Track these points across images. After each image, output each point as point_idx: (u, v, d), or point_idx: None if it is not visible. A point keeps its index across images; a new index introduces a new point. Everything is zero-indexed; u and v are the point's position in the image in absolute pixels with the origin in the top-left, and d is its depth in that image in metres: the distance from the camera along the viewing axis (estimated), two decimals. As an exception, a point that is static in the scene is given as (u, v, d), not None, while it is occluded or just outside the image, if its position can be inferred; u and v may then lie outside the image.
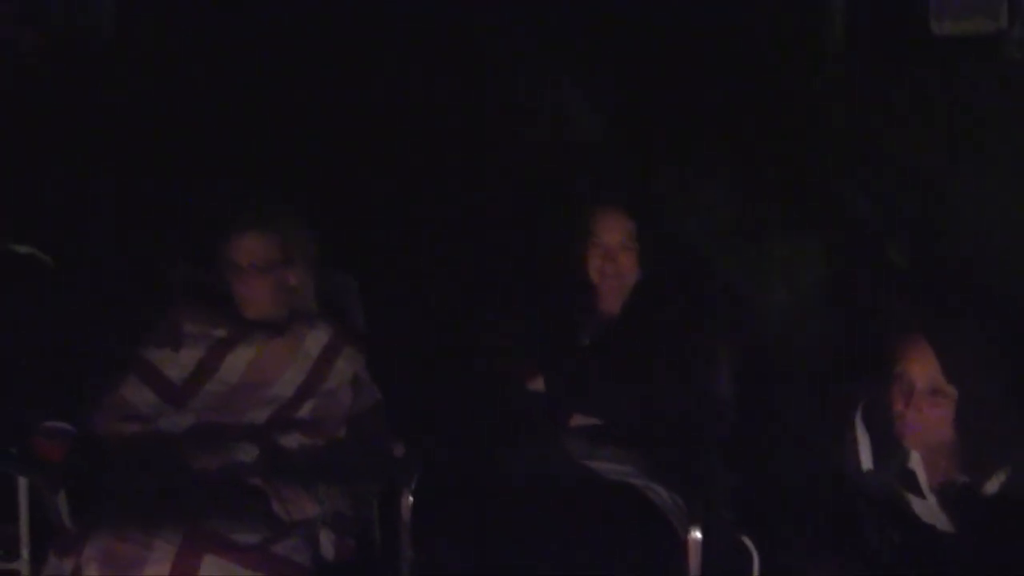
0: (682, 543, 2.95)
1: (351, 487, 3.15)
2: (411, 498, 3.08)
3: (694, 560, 2.94)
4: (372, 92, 5.01)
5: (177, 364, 3.23)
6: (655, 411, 3.23)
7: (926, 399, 2.62)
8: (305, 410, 3.23)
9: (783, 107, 4.80)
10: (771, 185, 4.66)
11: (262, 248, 3.25)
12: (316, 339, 3.28)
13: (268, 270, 3.25)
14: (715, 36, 4.93)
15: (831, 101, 4.77)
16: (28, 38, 6.59)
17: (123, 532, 2.78)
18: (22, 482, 3.14)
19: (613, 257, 3.33)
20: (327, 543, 3.01)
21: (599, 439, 3.23)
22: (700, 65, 4.92)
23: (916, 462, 2.75)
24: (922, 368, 2.62)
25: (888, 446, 2.76)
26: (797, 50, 4.89)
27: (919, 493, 2.75)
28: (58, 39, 6.51)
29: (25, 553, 3.17)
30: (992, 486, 2.65)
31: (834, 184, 4.61)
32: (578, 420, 3.28)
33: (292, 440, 3.16)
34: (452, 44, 5.01)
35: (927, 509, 2.75)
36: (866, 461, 2.81)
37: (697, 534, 2.95)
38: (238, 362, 3.22)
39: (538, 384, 3.30)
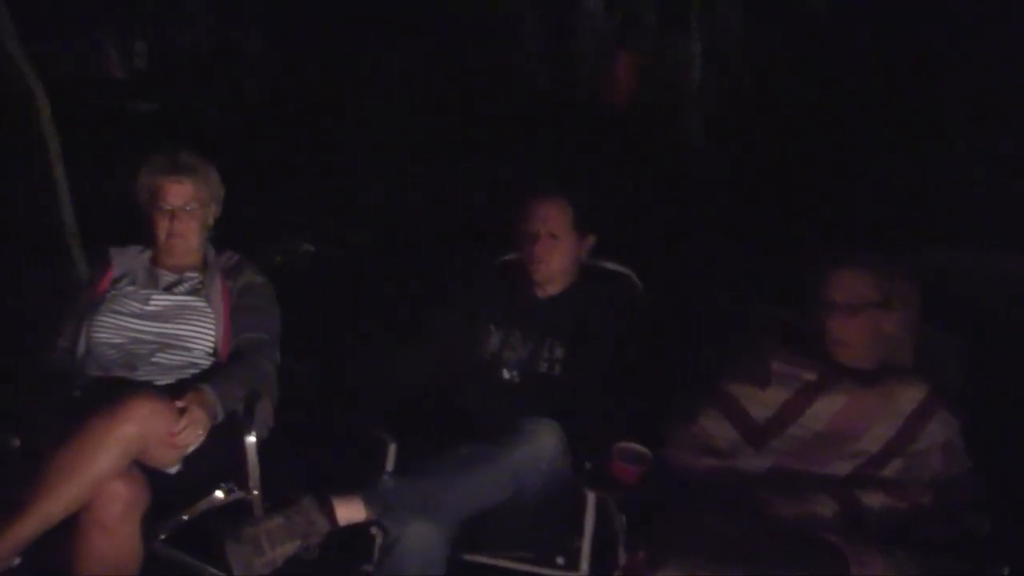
0: None
1: (929, 559, 2.89)
2: (1000, 586, 2.80)
3: None
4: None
5: (761, 403, 3.12)
6: None
7: None
8: (890, 469, 3.03)
9: None
10: None
11: (859, 286, 3.10)
12: (910, 397, 3.06)
13: (862, 309, 3.09)
14: None
15: None
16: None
17: (693, 567, 2.75)
18: (590, 497, 3.15)
19: None
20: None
21: None
22: None
23: None
24: None
25: None
26: None
27: None
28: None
29: (585, 566, 3.19)
30: None
31: None
32: None
33: (874, 499, 2.98)
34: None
35: None
36: None
37: None
38: (825, 409, 3.07)
39: None
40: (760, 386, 3.12)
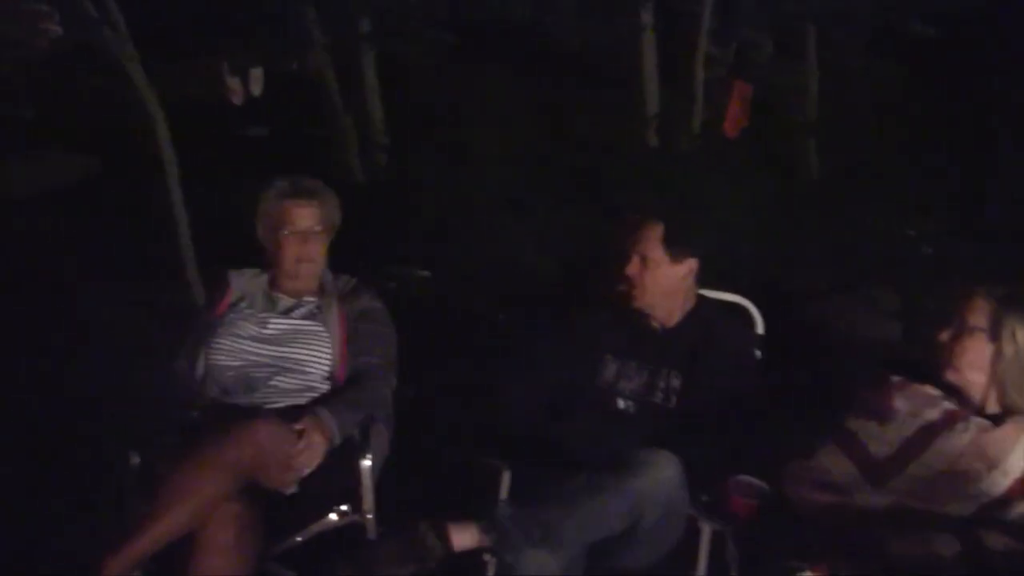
0: None
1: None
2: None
3: None
4: None
5: (881, 440, 3.03)
6: None
7: None
8: (1015, 512, 2.93)
9: None
10: None
11: (977, 314, 3.02)
12: None
13: (972, 333, 3.01)
14: None
15: None
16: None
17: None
18: (706, 530, 3.12)
19: None
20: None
21: None
22: None
23: None
24: None
25: None
26: None
27: None
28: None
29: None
30: None
31: None
32: None
33: (998, 542, 2.88)
34: None
35: None
36: None
37: None
38: (947, 449, 2.97)
39: None
40: (880, 422, 3.05)
